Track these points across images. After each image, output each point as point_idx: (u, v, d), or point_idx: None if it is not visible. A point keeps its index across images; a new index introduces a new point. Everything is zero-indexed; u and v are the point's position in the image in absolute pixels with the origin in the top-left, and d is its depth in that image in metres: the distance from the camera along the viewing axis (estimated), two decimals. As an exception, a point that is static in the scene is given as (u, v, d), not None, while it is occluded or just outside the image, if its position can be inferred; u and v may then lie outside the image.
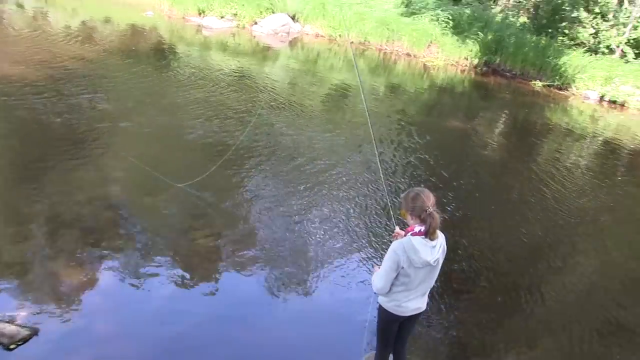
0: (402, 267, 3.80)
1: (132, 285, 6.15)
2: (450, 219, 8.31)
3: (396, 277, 3.88)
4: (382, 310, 4.12)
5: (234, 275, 6.67)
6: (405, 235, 3.91)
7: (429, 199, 3.85)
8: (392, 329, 4.21)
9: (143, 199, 8.07)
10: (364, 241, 7.73)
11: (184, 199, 8.06)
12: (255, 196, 8.54)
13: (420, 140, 12.32)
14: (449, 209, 8.94)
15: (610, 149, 14.98)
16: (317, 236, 7.70)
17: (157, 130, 10.36)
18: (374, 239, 7.87)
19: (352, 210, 8.60)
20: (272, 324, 5.87)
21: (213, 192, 8.38)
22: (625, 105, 19.07)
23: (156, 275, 6.33)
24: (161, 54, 15.97)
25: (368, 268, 7.04)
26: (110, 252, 6.58)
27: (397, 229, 4.47)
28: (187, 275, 6.42)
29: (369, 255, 7.39)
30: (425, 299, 4.15)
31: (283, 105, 12.99)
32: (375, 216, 8.48)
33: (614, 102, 19.20)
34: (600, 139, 15.75)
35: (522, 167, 12.29)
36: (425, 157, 11.41)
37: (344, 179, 9.62)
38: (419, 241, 3.78)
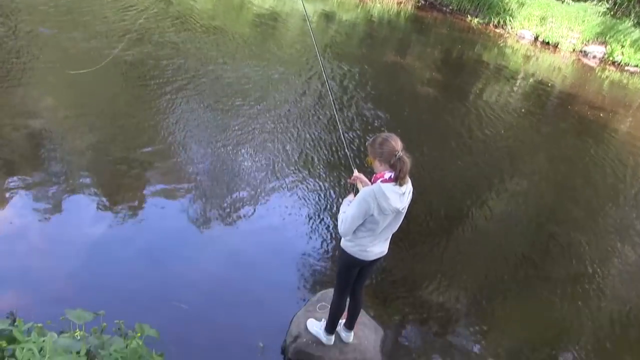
0: (372, 215, 3.73)
1: (59, 220, 5.79)
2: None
3: (362, 224, 3.79)
4: (345, 255, 3.91)
5: (166, 207, 6.37)
6: (373, 182, 3.81)
7: (397, 143, 3.74)
8: (353, 273, 4.11)
9: (67, 130, 7.59)
10: (310, 178, 7.49)
11: (113, 130, 7.69)
12: (189, 127, 8.09)
13: (357, 74, 12.08)
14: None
15: (541, 89, 15.40)
16: (256, 170, 7.42)
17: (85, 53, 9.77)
18: (322, 175, 7.66)
19: (297, 142, 8.37)
20: (205, 259, 5.67)
21: (146, 123, 8.03)
22: (558, 46, 19.41)
23: (82, 207, 6.01)
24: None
25: (312, 208, 6.90)
26: (33, 185, 6.20)
27: (356, 172, 4.33)
28: (115, 207, 6.11)
29: (316, 194, 7.19)
30: (388, 242, 4.12)
31: (213, 31, 12.43)
32: (322, 149, 8.29)
33: (548, 43, 19.48)
34: (532, 79, 16.14)
35: (456, 103, 12.28)
36: (363, 91, 11.24)
37: (287, 111, 9.41)
38: (389, 188, 3.65)
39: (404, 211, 3.85)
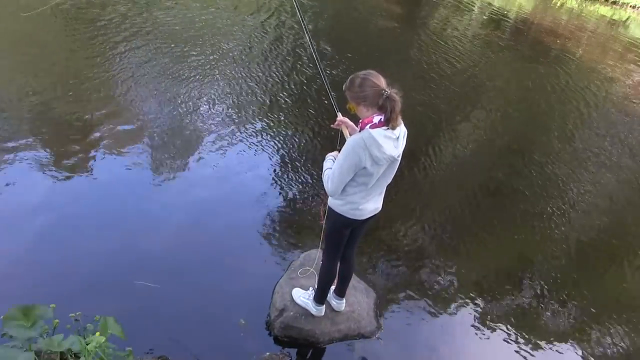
0: (364, 168, 3.18)
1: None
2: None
3: (353, 178, 3.19)
4: (334, 215, 3.39)
5: (118, 171, 5.60)
6: (361, 129, 3.22)
7: (380, 80, 3.14)
8: (344, 234, 3.52)
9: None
10: (285, 124, 6.96)
11: (55, 84, 6.87)
12: (139, 77, 7.38)
13: (310, 10, 11.48)
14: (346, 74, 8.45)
15: (499, 18, 14.96)
16: (220, 120, 6.76)
17: None
18: (299, 120, 7.09)
19: (265, 85, 7.81)
20: (168, 226, 4.93)
21: (91, 74, 7.23)
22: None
23: (24, 175, 5.26)
24: None
25: (288, 157, 6.29)
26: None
27: (340, 115, 3.73)
28: (62, 173, 5.37)
29: (293, 140, 6.61)
30: (382, 197, 3.59)
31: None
32: (296, 91, 7.69)
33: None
34: (489, 9, 15.68)
35: (416, 35, 11.93)
36: (316, 27, 10.68)
37: (246, 54, 8.73)
38: (381, 134, 3.04)
39: (399, 158, 3.29)
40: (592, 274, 5.75)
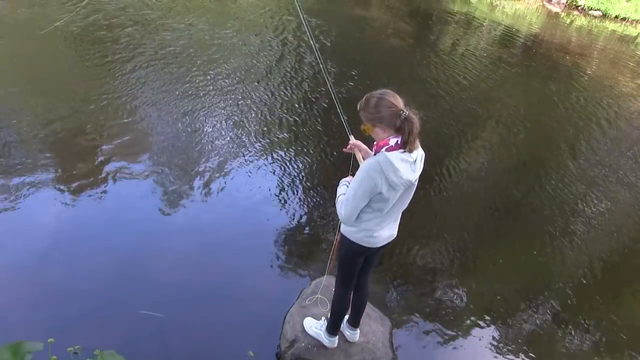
0: (379, 193, 2.99)
1: (10, 203, 5.01)
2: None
3: (367, 204, 3.01)
4: (348, 242, 3.22)
5: (123, 184, 5.59)
6: (376, 152, 3.06)
7: (397, 100, 2.97)
8: (358, 263, 3.36)
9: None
10: (296, 147, 6.80)
11: (60, 100, 6.85)
12: (154, 98, 7.36)
13: (321, 29, 11.41)
14: (357, 93, 8.32)
15: (509, 36, 14.83)
16: (230, 144, 6.66)
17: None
18: (310, 143, 6.97)
19: (278, 108, 7.71)
20: (174, 254, 4.80)
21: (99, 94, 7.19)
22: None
23: (37, 188, 5.29)
24: None
25: (299, 182, 6.16)
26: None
27: (352, 138, 3.57)
28: (71, 185, 5.37)
29: (304, 165, 6.48)
30: (397, 223, 3.41)
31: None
32: (307, 114, 7.60)
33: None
34: (499, 27, 15.56)
35: (427, 53, 11.78)
36: (332, 45, 10.60)
37: (261, 76, 8.68)
38: (397, 157, 2.86)
39: (416, 182, 3.12)
40: (616, 297, 5.52)
